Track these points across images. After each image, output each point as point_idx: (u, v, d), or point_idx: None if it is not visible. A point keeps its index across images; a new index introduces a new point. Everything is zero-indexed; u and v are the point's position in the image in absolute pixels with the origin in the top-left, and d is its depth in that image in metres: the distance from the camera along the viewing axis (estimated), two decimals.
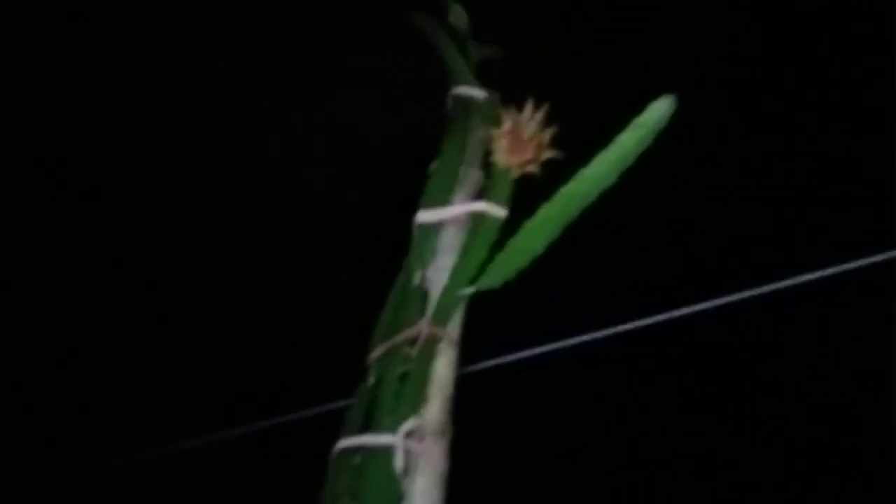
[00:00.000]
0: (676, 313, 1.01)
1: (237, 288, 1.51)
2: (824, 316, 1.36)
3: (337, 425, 0.71)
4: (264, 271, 1.54)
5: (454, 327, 0.71)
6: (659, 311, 1.01)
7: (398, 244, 0.76)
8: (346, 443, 0.68)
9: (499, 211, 0.72)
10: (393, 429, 0.65)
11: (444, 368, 0.69)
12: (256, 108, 1.66)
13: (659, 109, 0.60)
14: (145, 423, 1.41)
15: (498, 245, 0.70)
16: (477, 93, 0.83)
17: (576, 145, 0.70)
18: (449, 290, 0.71)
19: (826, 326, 1.41)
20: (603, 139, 0.65)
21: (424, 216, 0.75)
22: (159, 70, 1.58)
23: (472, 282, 0.70)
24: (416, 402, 0.66)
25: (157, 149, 1.56)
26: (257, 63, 1.63)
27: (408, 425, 0.65)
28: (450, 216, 0.75)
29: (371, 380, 0.72)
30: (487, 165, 0.77)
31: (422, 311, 0.72)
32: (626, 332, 1.01)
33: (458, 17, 0.91)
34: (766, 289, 1.00)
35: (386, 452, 0.64)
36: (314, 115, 1.64)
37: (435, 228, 0.75)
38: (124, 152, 1.55)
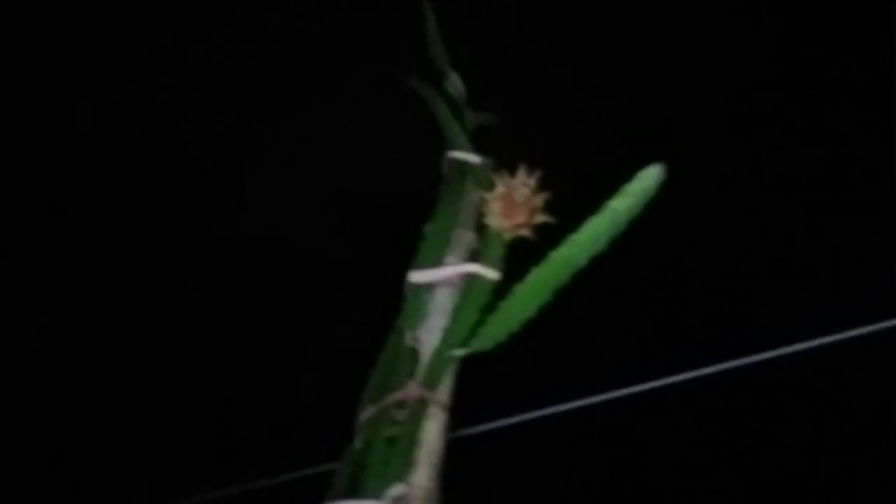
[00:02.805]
0: (670, 380, 1.00)
1: (225, 344, 1.50)
2: (819, 385, 1.35)
3: (322, 489, 0.69)
4: (254, 326, 1.53)
5: (444, 390, 0.70)
6: (652, 378, 1.00)
7: (391, 301, 0.76)
8: None
9: (491, 273, 0.73)
10: (379, 495, 0.63)
11: (433, 433, 0.68)
12: (254, 164, 1.69)
13: (648, 177, 0.61)
14: (131, 484, 1.37)
15: (489, 308, 0.70)
16: (472, 157, 0.85)
17: (568, 210, 0.71)
18: (440, 352, 0.70)
19: (821, 395, 1.40)
20: (595, 205, 0.66)
21: (417, 276, 0.75)
22: (158, 121, 1.62)
23: (464, 344, 0.70)
24: (403, 468, 0.65)
25: (155, 201, 1.57)
26: (255, 119, 1.67)
27: (394, 491, 0.63)
28: (442, 277, 0.75)
29: (358, 443, 0.70)
30: (481, 228, 0.78)
31: (412, 373, 0.71)
32: (621, 398, 1.00)
33: (455, 84, 0.94)
34: (760, 357, 0.99)
35: None
36: (310, 171, 1.66)
37: (427, 289, 0.75)
38: (120, 202, 1.57)
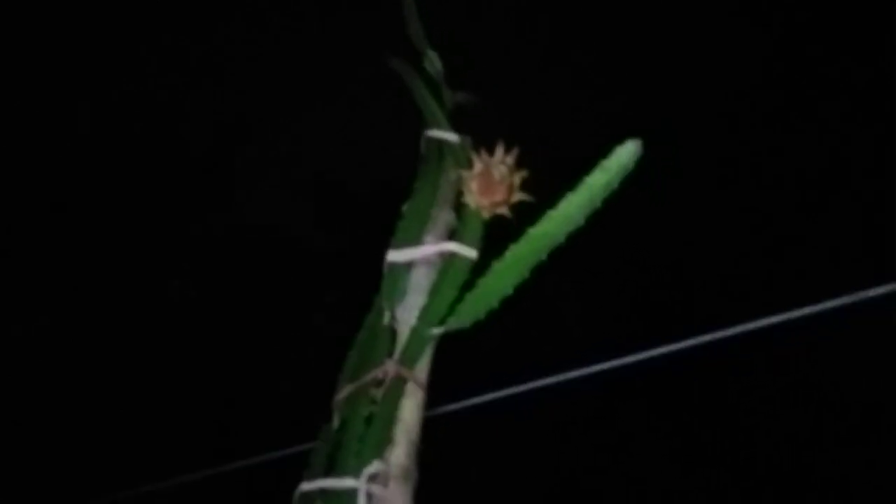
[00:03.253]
0: (648, 353, 1.00)
1: (207, 329, 1.49)
2: (818, 353, 1.36)
3: (300, 468, 0.69)
4: (236, 311, 1.52)
5: (422, 368, 0.70)
6: (630, 352, 1.01)
7: (372, 287, 0.76)
8: (307, 486, 0.66)
9: (469, 251, 0.72)
10: (356, 472, 0.63)
11: (410, 411, 0.68)
12: (233, 153, 1.67)
13: (625, 152, 0.61)
14: (109, 466, 1.36)
15: (468, 286, 0.70)
16: (450, 136, 0.84)
17: (546, 187, 0.71)
18: (417, 331, 0.70)
19: (818, 364, 1.41)
20: (573, 181, 0.65)
21: (395, 255, 0.75)
22: (150, 119, 1.59)
23: (442, 322, 0.70)
24: (380, 445, 0.65)
25: (140, 192, 1.56)
26: (237, 108, 1.65)
27: (372, 469, 0.63)
28: (420, 256, 0.74)
29: (336, 421, 0.70)
30: (459, 207, 0.77)
31: (390, 352, 0.71)
32: (599, 373, 1.01)
33: (433, 63, 0.93)
34: (744, 328, 1.00)
35: (349, 496, 0.62)
36: (291, 160, 1.65)
37: (405, 268, 0.75)
38: (100, 188, 1.55)
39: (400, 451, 0.65)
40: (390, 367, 0.68)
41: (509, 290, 0.67)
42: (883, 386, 1.35)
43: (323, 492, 0.64)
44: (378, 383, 0.69)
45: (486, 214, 0.74)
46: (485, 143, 0.77)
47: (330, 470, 0.66)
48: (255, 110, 1.64)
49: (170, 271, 1.55)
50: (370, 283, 0.76)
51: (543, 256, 0.65)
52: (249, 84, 1.64)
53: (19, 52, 1.51)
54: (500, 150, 0.75)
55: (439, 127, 0.85)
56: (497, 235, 0.72)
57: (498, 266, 0.67)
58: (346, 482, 0.63)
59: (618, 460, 1.44)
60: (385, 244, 0.76)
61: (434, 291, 0.71)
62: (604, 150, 0.64)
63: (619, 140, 0.63)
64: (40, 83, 1.54)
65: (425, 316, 0.70)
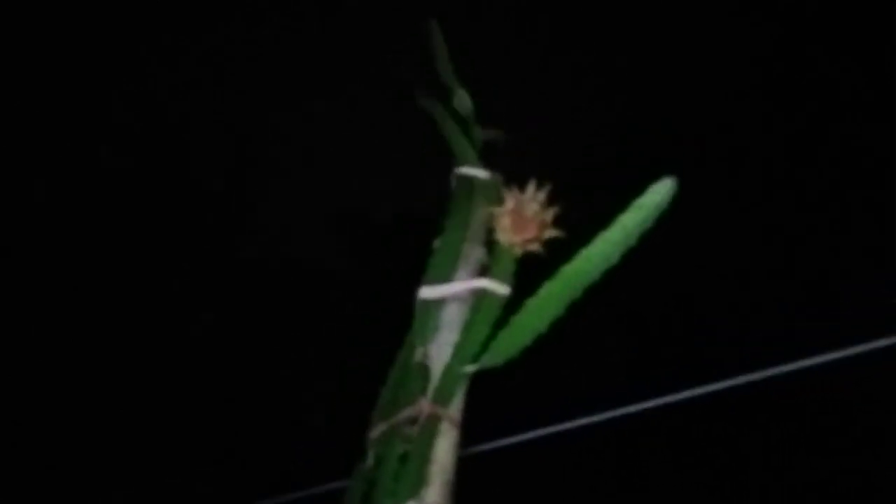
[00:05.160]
0: (681, 396, 0.99)
1: (237, 363, 1.50)
2: (832, 399, 1.34)
3: None
4: (264, 346, 1.53)
5: (456, 407, 0.70)
6: (665, 394, 0.99)
7: (400, 320, 0.76)
8: None
9: (501, 288, 0.72)
10: None
11: (444, 450, 0.67)
12: (262, 185, 1.70)
13: (660, 191, 0.61)
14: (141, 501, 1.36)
15: (501, 323, 0.70)
16: (480, 173, 0.85)
17: (578, 225, 0.71)
18: (451, 368, 0.70)
19: (832, 410, 1.38)
20: (606, 219, 0.65)
21: (427, 292, 0.75)
22: (170, 141, 1.63)
23: (475, 360, 0.69)
24: (415, 485, 0.64)
25: (165, 221, 1.58)
26: (265, 139, 1.68)
27: None
28: (452, 293, 0.74)
29: (370, 460, 0.70)
30: (490, 244, 0.77)
31: (423, 390, 0.70)
32: (633, 414, 0.99)
33: (463, 101, 0.94)
34: (767, 373, 0.98)
35: None
36: (319, 192, 1.67)
37: (437, 305, 0.75)
38: (129, 222, 1.58)
39: (434, 492, 0.65)
40: (424, 406, 0.68)
41: (543, 328, 0.66)
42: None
43: None
44: (412, 421, 0.68)
45: (517, 251, 0.74)
46: (516, 180, 0.77)
47: None
48: (279, 142, 1.67)
49: (201, 304, 1.56)
50: (401, 317, 0.76)
51: (578, 294, 0.65)
52: (272, 113, 1.67)
53: (38, 83, 1.56)
54: (531, 187, 0.75)
55: (469, 164, 0.86)
56: (528, 273, 0.72)
57: (532, 303, 0.67)
58: None
59: (648, 500, 1.41)
60: (412, 277, 0.76)
61: (467, 329, 0.71)
62: (638, 188, 0.64)
63: (653, 176, 0.63)
64: (59, 118, 1.58)
65: (458, 353, 0.70)
